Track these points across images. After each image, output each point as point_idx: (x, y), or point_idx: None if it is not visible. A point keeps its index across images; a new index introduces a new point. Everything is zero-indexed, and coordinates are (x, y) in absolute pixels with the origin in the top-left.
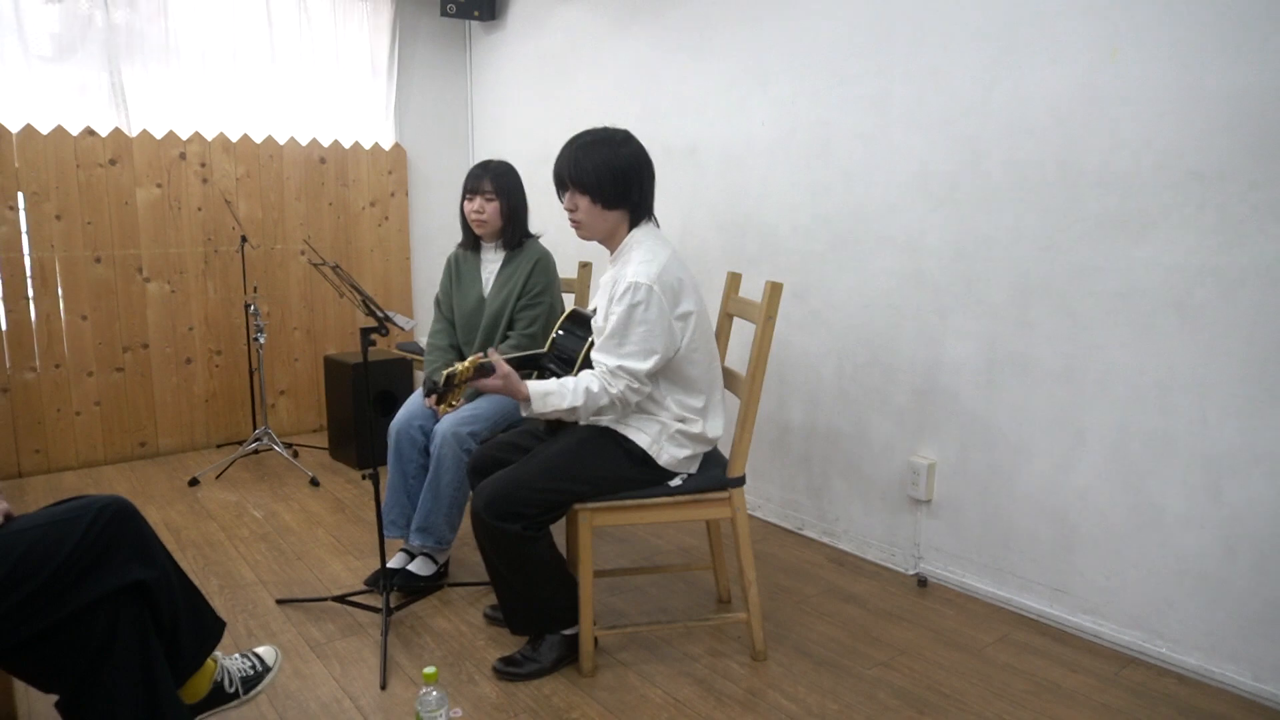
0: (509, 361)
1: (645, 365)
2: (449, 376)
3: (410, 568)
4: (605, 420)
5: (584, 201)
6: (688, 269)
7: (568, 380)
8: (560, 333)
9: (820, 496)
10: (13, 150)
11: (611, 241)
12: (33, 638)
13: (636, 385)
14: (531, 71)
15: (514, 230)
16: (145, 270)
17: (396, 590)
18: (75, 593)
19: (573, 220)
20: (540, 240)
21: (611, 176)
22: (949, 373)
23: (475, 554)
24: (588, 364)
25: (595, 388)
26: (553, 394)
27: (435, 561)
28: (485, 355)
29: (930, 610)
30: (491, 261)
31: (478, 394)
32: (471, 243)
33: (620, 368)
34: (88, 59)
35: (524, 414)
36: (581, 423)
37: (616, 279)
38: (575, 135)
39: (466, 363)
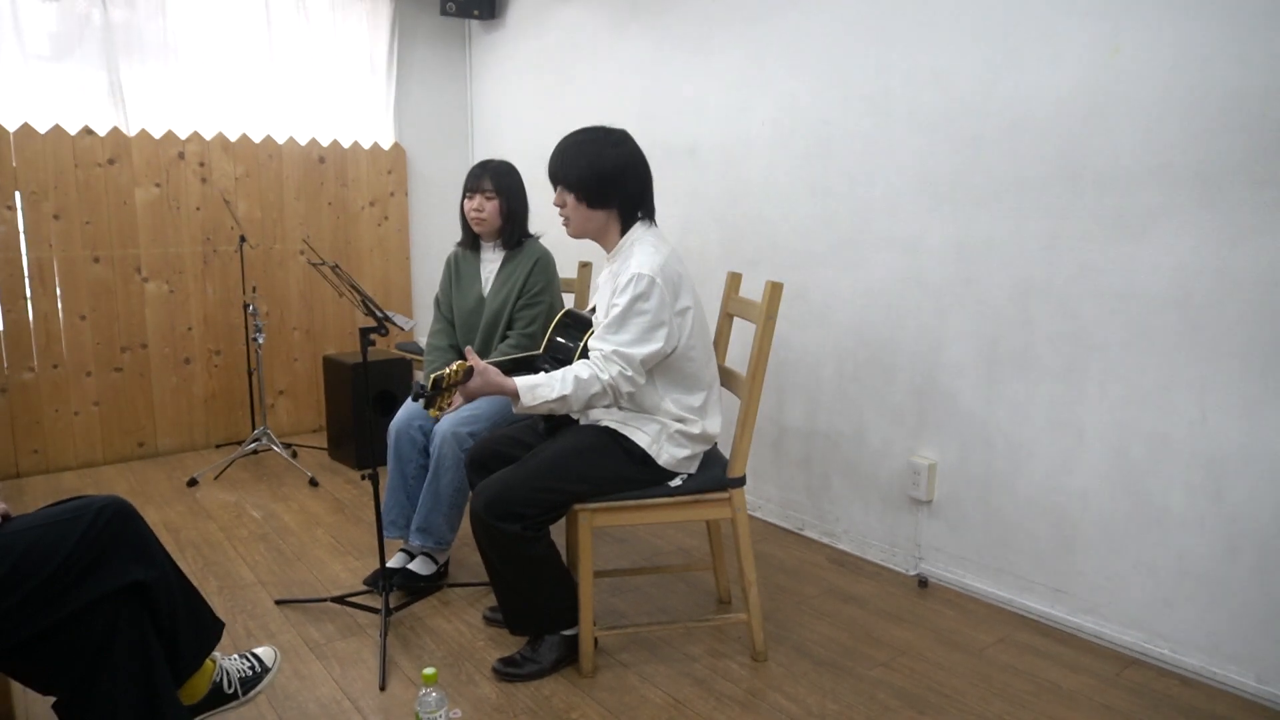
0: (501, 365)
1: (640, 352)
2: (436, 381)
3: (410, 567)
4: (605, 420)
5: (570, 199)
6: (685, 266)
7: (555, 372)
8: (555, 334)
9: (820, 497)
10: (10, 150)
11: (603, 239)
12: (31, 638)
13: (630, 373)
14: (531, 71)
15: (513, 230)
16: (144, 270)
17: (396, 590)
18: (74, 593)
19: (561, 215)
20: (540, 240)
21: (597, 176)
22: (949, 373)
23: (475, 554)
24: None
25: (585, 374)
26: (540, 385)
27: (435, 561)
28: (467, 363)
29: (930, 611)
30: (491, 261)
31: None
32: (471, 242)
33: (615, 353)
34: (86, 58)
35: (515, 410)
36: (575, 413)
37: (618, 274)
38: (571, 133)
39: (454, 366)
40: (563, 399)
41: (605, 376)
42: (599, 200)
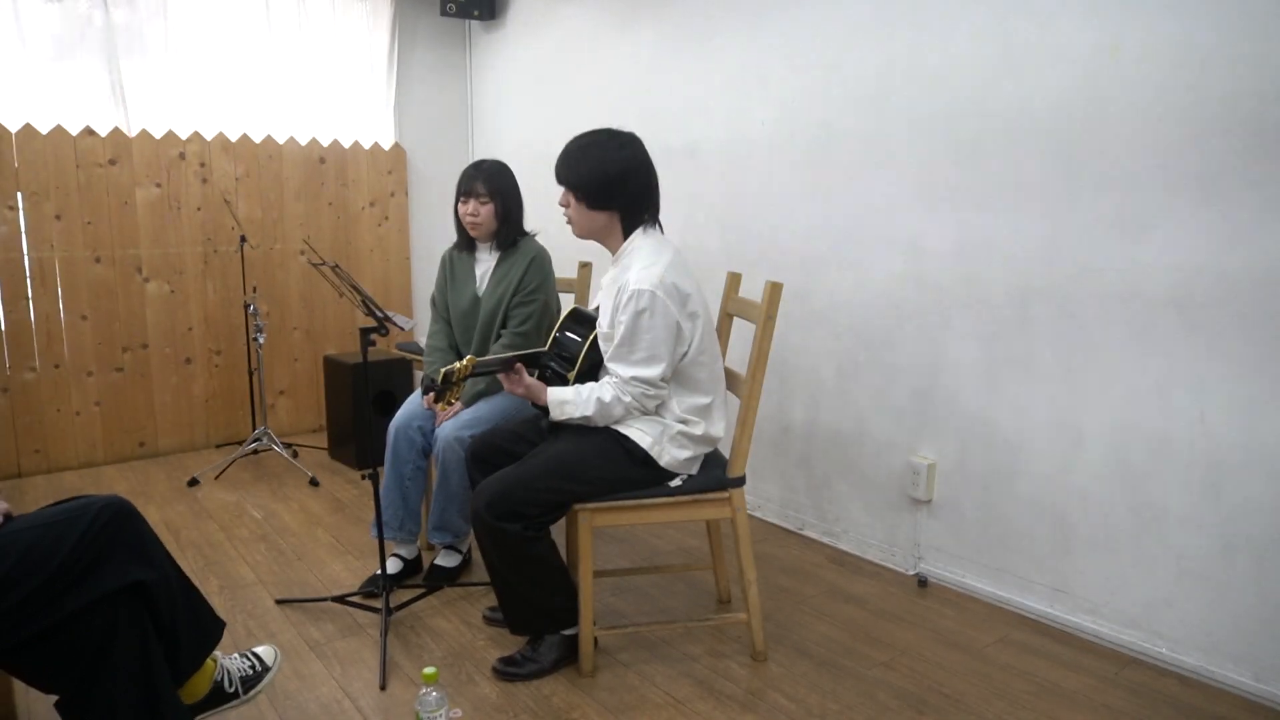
0: (506, 360)
1: (656, 371)
2: (446, 375)
3: (438, 561)
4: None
5: (573, 200)
6: (690, 271)
7: (583, 389)
8: (561, 332)
9: (820, 496)
10: (12, 150)
11: (607, 241)
12: (32, 638)
13: (652, 392)
14: (531, 71)
15: (508, 231)
16: (145, 270)
17: (396, 589)
18: (74, 593)
19: (565, 215)
20: (536, 238)
21: (599, 179)
22: (949, 373)
23: (476, 553)
24: (589, 362)
25: (607, 397)
26: (569, 403)
27: (459, 551)
28: (477, 357)
29: (930, 610)
30: (485, 261)
31: (477, 398)
32: (466, 243)
33: (634, 378)
34: (87, 58)
35: (545, 421)
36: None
37: (620, 286)
38: (579, 134)
39: (464, 361)
40: (586, 419)
41: (627, 399)
42: (599, 202)
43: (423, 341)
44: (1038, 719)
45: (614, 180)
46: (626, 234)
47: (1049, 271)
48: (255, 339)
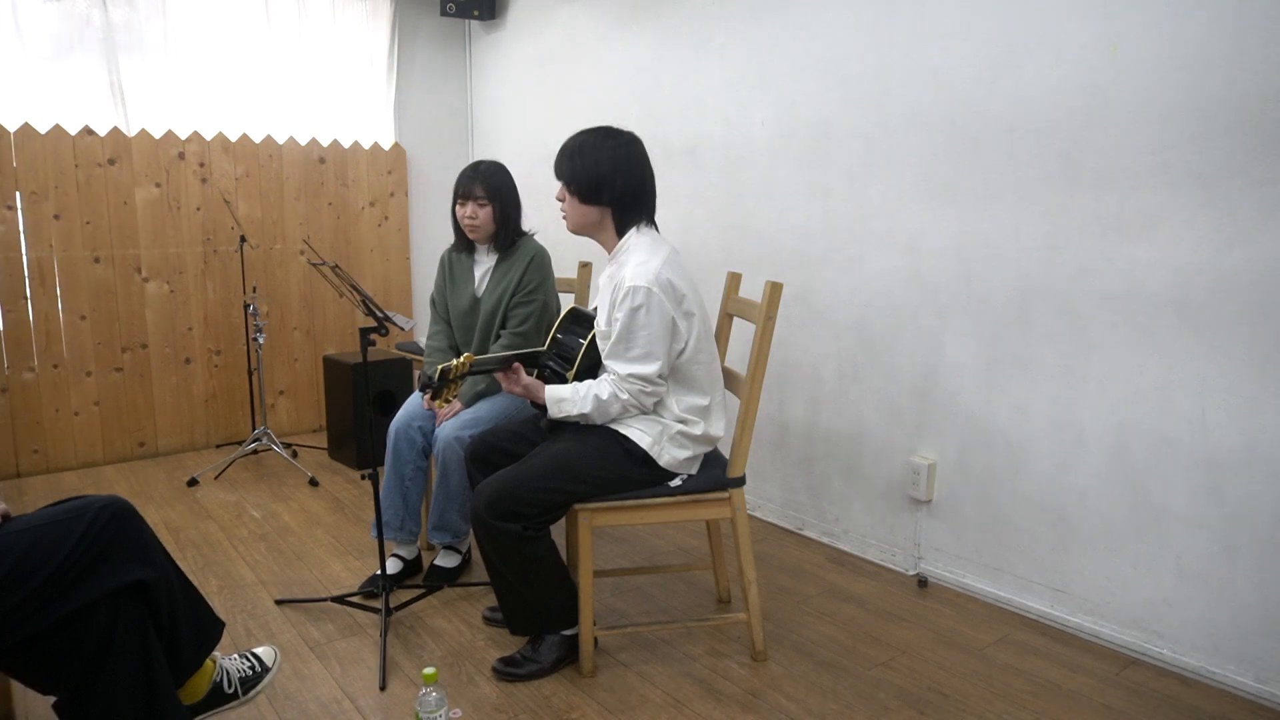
0: (505, 359)
1: (653, 368)
2: (443, 372)
3: (438, 562)
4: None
5: (567, 193)
6: (686, 270)
7: (580, 387)
8: (560, 332)
9: (820, 497)
10: (11, 150)
11: (600, 236)
12: (32, 638)
13: (650, 389)
14: (531, 71)
15: (507, 233)
16: (144, 270)
17: (397, 589)
18: (74, 593)
19: (560, 210)
20: (535, 237)
21: (591, 174)
22: (949, 373)
23: (476, 553)
24: (588, 361)
25: (604, 395)
26: (566, 400)
27: (459, 551)
28: (475, 356)
29: (930, 610)
30: (484, 262)
31: (477, 398)
32: (464, 245)
33: (631, 375)
34: (86, 58)
35: (544, 420)
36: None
37: (616, 283)
38: (581, 130)
39: (462, 358)
40: (583, 416)
41: (625, 396)
42: (590, 196)
43: (423, 342)
44: (1038, 719)
45: (606, 176)
46: (620, 232)
47: (1049, 271)
48: (255, 339)
